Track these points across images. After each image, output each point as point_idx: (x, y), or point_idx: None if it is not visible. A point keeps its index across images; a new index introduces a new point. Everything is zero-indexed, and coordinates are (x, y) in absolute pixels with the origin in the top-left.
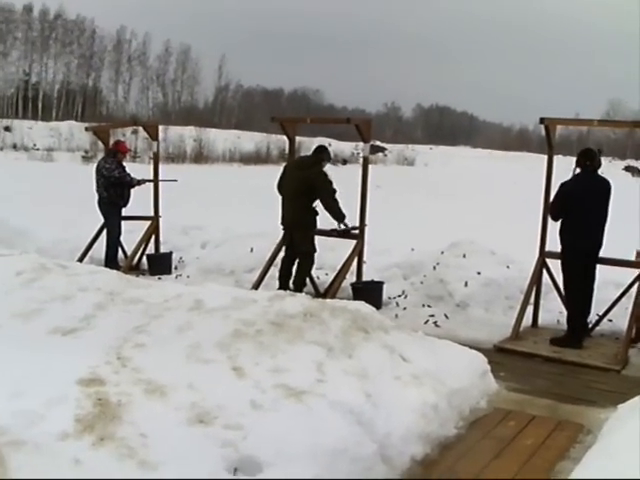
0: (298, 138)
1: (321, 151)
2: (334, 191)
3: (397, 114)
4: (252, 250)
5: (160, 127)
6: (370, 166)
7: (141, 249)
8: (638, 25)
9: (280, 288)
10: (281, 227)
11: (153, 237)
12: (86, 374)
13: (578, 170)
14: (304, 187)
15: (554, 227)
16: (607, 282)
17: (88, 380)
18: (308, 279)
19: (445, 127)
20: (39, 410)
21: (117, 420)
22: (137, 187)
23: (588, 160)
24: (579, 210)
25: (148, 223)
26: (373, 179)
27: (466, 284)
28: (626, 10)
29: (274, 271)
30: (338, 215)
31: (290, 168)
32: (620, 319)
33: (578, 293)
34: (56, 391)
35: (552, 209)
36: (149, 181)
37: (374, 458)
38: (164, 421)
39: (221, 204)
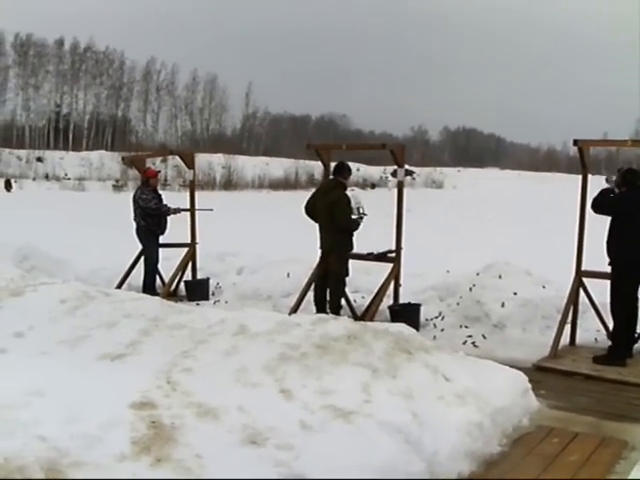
0: (339, 162)
1: (339, 171)
2: (350, 213)
3: (424, 137)
4: (289, 275)
5: None
6: None
7: (179, 276)
8: None
9: (318, 312)
10: (319, 252)
11: (190, 264)
12: (138, 398)
13: (623, 189)
14: (329, 211)
15: (590, 246)
16: None
17: (140, 404)
18: (345, 302)
19: (472, 149)
20: (96, 433)
21: (172, 442)
22: (173, 215)
23: (637, 179)
24: (633, 225)
25: (185, 250)
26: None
27: (503, 305)
28: None
29: (311, 295)
30: (348, 226)
31: (319, 193)
32: None
33: (627, 310)
34: (110, 414)
35: (601, 203)
36: (185, 210)
37: (423, 476)
38: (218, 442)
39: (254, 230)
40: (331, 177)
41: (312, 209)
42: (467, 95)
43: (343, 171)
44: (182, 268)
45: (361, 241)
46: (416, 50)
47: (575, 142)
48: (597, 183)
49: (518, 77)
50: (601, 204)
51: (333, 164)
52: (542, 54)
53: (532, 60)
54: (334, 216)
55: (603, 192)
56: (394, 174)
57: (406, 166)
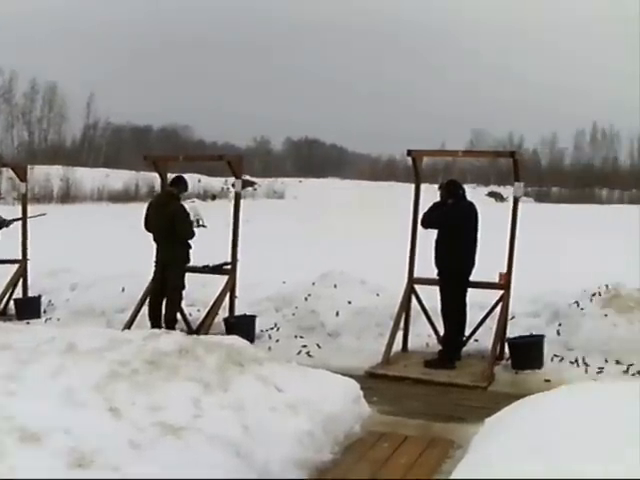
0: (176, 175)
1: (176, 185)
2: (191, 224)
3: (267, 148)
4: (123, 290)
5: None
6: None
7: (8, 294)
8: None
9: (153, 327)
10: (154, 264)
11: (21, 281)
12: None
13: (449, 200)
14: (168, 224)
15: (421, 254)
16: (473, 304)
17: None
18: (180, 316)
19: (315, 160)
20: None
21: None
22: (5, 229)
23: (461, 189)
24: (460, 235)
25: (14, 267)
26: (242, 214)
27: (337, 314)
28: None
29: (146, 310)
30: (190, 238)
31: (153, 206)
32: (485, 338)
33: (456, 314)
34: None
35: (429, 218)
36: (18, 220)
37: None
38: (40, 468)
39: (89, 244)
40: (167, 189)
41: (146, 223)
42: (310, 106)
43: (180, 184)
44: (11, 286)
45: (201, 253)
46: (264, 61)
47: (409, 152)
48: (435, 193)
49: (358, 87)
50: (429, 219)
51: (173, 175)
52: (373, 61)
53: (367, 71)
54: (175, 229)
55: (433, 207)
56: (234, 185)
57: (247, 177)
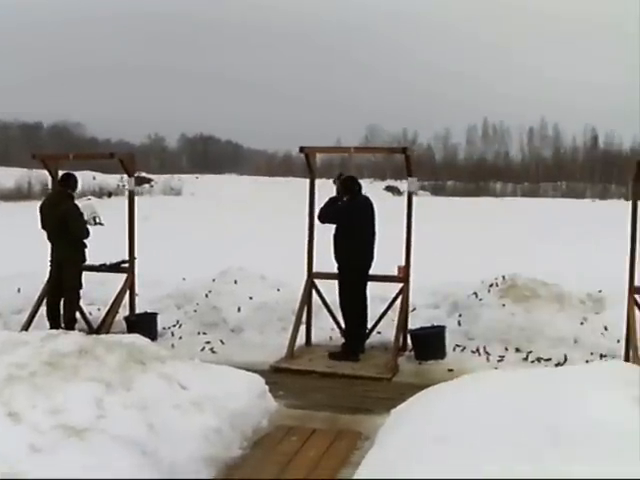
0: (61, 172)
1: (66, 182)
2: (84, 222)
3: (161, 144)
4: (19, 290)
5: None
6: (136, 198)
7: None
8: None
9: (52, 328)
10: (49, 264)
11: None
12: None
13: (345, 196)
14: (61, 223)
15: (320, 248)
16: (374, 297)
17: None
18: (80, 315)
19: (211, 156)
20: None
21: None
22: None
23: (357, 185)
24: (359, 230)
25: None
26: (140, 211)
27: (239, 309)
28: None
29: (44, 310)
30: (84, 237)
31: (46, 205)
32: (388, 330)
33: (357, 308)
34: None
35: (326, 214)
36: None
37: None
38: None
39: None
40: (59, 189)
41: (42, 222)
42: (205, 102)
43: (69, 182)
44: None
45: (100, 251)
46: (162, 58)
47: (302, 149)
48: (330, 186)
49: (250, 83)
50: (326, 214)
51: (61, 173)
52: (269, 57)
53: (260, 67)
54: (68, 228)
55: (329, 202)
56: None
57: (143, 174)
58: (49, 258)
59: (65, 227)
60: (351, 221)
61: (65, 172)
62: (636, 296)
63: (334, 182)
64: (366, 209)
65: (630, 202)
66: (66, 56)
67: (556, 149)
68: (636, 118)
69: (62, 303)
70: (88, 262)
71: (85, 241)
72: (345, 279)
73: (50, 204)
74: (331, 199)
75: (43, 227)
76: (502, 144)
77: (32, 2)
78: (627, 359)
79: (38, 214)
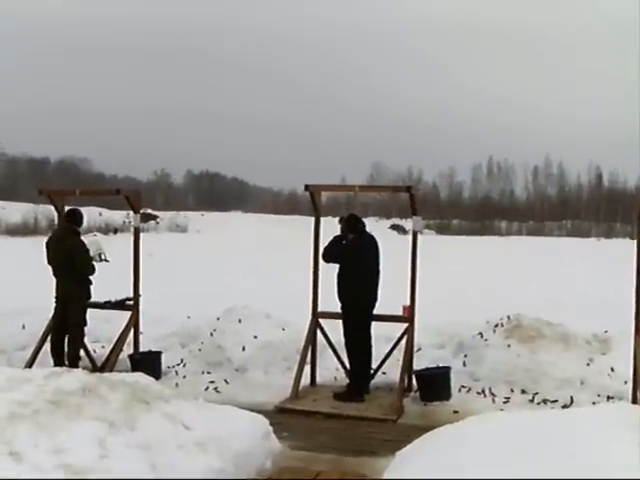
0: (70, 208)
1: (72, 218)
2: (90, 259)
3: (167, 181)
4: (24, 327)
5: None
6: (142, 234)
7: None
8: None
9: (56, 365)
10: (54, 300)
11: None
12: None
13: (350, 235)
14: (67, 259)
15: (325, 287)
16: (379, 337)
17: None
18: (84, 353)
19: (216, 193)
20: None
21: None
22: None
23: (360, 224)
24: (362, 270)
25: None
26: (145, 247)
27: (244, 348)
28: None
29: (48, 347)
30: (90, 273)
31: (52, 241)
32: (393, 371)
33: (362, 347)
34: None
35: (330, 253)
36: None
37: None
38: None
39: None
40: (65, 225)
41: (48, 258)
42: (211, 138)
43: (75, 217)
44: None
45: (105, 288)
46: (169, 95)
47: (307, 187)
48: (335, 224)
49: (257, 123)
50: (330, 254)
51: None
52: (271, 95)
53: (265, 108)
54: (74, 264)
55: (334, 241)
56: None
57: (149, 210)
58: (54, 294)
59: (71, 263)
60: (355, 261)
61: (71, 208)
62: None
63: (339, 222)
64: (370, 248)
65: (635, 241)
66: (73, 92)
67: (561, 187)
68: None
69: (66, 340)
70: (93, 299)
71: (90, 277)
72: (349, 318)
73: (56, 240)
74: (336, 238)
75: (49, 263)
76: (507, 182)
77: (32, 34)
78: (634, 401)
79: (44, 249)
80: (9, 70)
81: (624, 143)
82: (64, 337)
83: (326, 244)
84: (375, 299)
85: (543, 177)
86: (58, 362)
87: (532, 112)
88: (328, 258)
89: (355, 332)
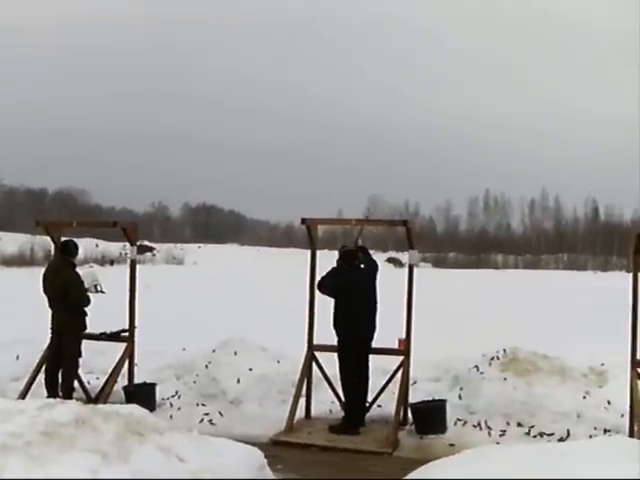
0: (64, 239)
1: (67, 250)
2: (85, 291)
3: (165, 213)
4: (18, 357)
5: None
6: (138, 266)
7: None
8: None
9: (49, 396)
10: (50, 331)
11: None
12: None
13: (345, 268)
14: (62, 291)
15: (321, 320)
16: (374, 369)
17: None
18: (78, 384)
19: (213, 226)
20: None
21: None
22: None
23: (357, 259)
24: (357, 304)
25: None
26: (142, 279)
27: (238, 381)
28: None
29: (42, 378)
30: (85, 305)
31: (49, 272)
32: (388, 404)
33: (355, 380)
34: None
35: (325, 285)
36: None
37: None
38: None
39: None
40: (61, 257)
41: (44, 289)
42: (208, 171)
43: (69, 249)
44: None
45: (101, 319)
46: (167, 126)
47: (303, 221)
48: (333, 259)
49: (252, 153)
50: (326, 286)
51: (64, 239)
52: (270, 125)
53: (268, 141)
54: (69, 296)
55: (332, 272)
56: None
57: (146, 242)
58: (50, 325)
59: (66, 295)
60: (348, 296)
61: (65, 240)
62: (639, 369)
63: (339, 254)
64: (365, 282)
65: (631, 274)
66: (70, 122)
67: (557, 221)
68: (636, 189)
69: (61, 371)
70: (88, 330)
71: (86, 309)
72: (345, 351)
73: (52, 271)
74: (333, 269)
75: (45, 293)
76: (504, 216)
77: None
78: (631, 434)
79: (41, 280)
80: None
81: (621, 176)
82: (58, 369)
83: (324, 274)
84: (373, 332)
85: (539, 210)
86: (52, 394)
87: (531, 154)
88: (323, 289)
89: (349, 365)
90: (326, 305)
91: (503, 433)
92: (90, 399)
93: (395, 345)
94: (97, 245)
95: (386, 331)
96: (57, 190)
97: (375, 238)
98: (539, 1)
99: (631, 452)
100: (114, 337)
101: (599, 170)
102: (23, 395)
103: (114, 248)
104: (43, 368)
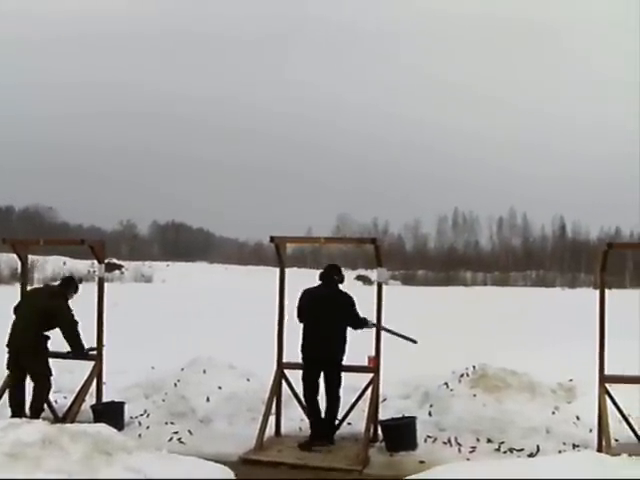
0: (31, 257)
1: (67, 283)
2: (76, 323)
3: (133, 231)
4: None
5: None
6: (106, 284)
7: None
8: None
9: (14, 416)
10: (6, 350)
11: None
12: None
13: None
14: (46, 316)
15: (290, 339)
16: (344, 387)
17: None
18: (45, 403)
19: (182, 243)
20: None
21: None
22: None
23: (333, 282)
24: (318, 324)
25: None
26: (110, 297)
27: (208, 399)
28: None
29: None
30: (78, 347)
31: (32, 295)
32: (358, 421)
33: (327, 398)
34: None
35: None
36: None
37: None
38: None
39: None
40: (58, 289)
41: (19, 305)
42: (177, 189)
43: (70, 285)
44: None
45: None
46: (135, 144)
47: (272, 239)
48: (301, 277)
49: (220, 171)
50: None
51: (32, 257)
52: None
53: (239, 160)
54: (58, 324)
55: (305, 295)
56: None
57: (114, 260)
58: (7, 343)
59: (48, 319)
60: (328, 316)
61: (69, 276)
62: (607, 385)
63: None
64: (343, 303)
65: (598, 291)
66: (36, 137)
67: (525, 238)
68: (603, 206)
69: (32, 390)
70: (56, 349)
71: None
72: (306, 370)
73: (42, 294)
74: (305, 291)
75: (18, 310)
76: (472, 233)
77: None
78: (600, 449)
79: (20, 297)
80: None
81: (588, 193)
82: (23, 387)
83: (299, 298)
84: (330, 351)
85: (508, 228)
86: (17, 413)
87: (502, 172)
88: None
89: (314, 383)
90: (295, 324)
91: (473, 449)
92: (57, 418)
93: (364, 363)
94: (65, 263)
95: (355, 349)
96: (24, 208)
97: (344, 256)
98: (511, 10)
99: (599, 467)
100: (82, 355)
101: (567, 187)
102: None
103: (82, 266)
104: (8, 389)
